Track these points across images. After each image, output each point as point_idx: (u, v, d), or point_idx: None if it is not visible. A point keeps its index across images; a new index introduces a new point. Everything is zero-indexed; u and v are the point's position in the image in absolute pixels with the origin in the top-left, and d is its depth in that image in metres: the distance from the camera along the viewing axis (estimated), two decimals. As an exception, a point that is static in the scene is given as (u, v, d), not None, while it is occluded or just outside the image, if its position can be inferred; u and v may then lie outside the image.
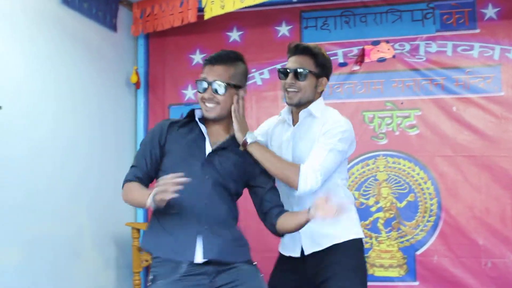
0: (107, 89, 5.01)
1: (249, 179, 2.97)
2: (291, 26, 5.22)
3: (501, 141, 4.72)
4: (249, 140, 2.87)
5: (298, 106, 3.11)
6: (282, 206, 2.96)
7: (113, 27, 5.12)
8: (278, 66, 5.16)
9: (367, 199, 4.92)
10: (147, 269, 5.20)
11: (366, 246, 4.85)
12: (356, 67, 5.00)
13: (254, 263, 2.90)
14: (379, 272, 4.82)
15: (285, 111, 3.23)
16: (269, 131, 3.33)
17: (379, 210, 4.88)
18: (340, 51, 5.08)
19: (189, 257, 2.76)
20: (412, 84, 4.92)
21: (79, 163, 4.54)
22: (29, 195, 3.97)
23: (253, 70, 5.25)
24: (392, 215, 4.88)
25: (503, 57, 4.78)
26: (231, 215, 2.94)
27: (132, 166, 2.92)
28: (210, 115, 2.86)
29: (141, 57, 5.50)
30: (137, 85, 5.37)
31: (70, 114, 4.48)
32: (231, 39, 5.34)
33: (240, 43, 5.32)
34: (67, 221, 4.36)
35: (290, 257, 3.18)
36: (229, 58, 2.88)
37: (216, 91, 2.82)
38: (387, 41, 4.97)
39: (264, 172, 2.95)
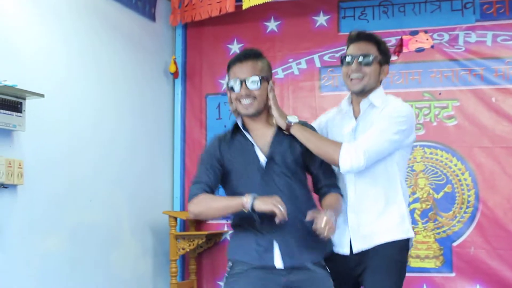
0: (146, 79, 5.07)
1: (305, 158, 2.93)
2: (329, 16, 5.22)
3: (541, 131, 4.68)
4: (292, 121, 2.84)
5: (360, 94, 3.00)
6: (332, 184, 2.94)
7: (152, 17, 5.17)
8: (316, 56, 5.20)
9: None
10: (183, 257, 5.27)
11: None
12: (394, 57, 4.96)
13: (325, 267, 2.89)
14: (415, 263, 4.81)
15: (345, 102, 3.13)
16: (328, 124, 3.20)
17: (415, 201, 4.86)
18: (377, 41, 5.06)
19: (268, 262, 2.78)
20: (451, 74, 4.88)
21: (120, 153, 4.61)
22: (71, 185, 4.06)
23: (290, 60, 5.26)
24: (428, 206, 4.86)
25: (544, 47, 4.72)
26: (310, 202, 2.89)
27: (194, 183, 2.85)
28: (250, 111, 2.84)
29: (179, 46, 5.54)
30: (175, 74, 5.42)
31: (112, 104, 4.56)
32: (269, 29, 5.35)
33: (277, 33, 5.33)
34: (107, 210, 4.44)
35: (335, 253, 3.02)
36: (254, 54, 2.92)
37: (252, 87, 2.83)
38: (426, 31, 4.93)
39: None
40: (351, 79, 2.97)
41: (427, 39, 4.91)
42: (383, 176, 2.93)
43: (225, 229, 5.23)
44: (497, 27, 4.83)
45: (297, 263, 2.75)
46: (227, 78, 2.90)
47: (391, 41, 4.98)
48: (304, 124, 2.91)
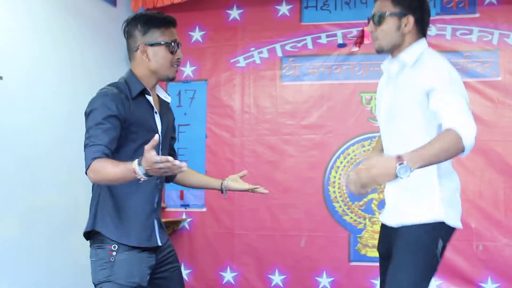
0: (106, 64, 5.01)
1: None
2: (291, 6, 5.22)
3: (497, 126, 4.75)
4: (405, 173, 2.35)
5: (386, 53, 2.80)
6: None
7: (113, 2, 5.11)
8: (278, 45, 5.20)
9: (362, 180, 4.95)
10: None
11: (359, 226, 4.92)
12: (355, 49, 5.01)
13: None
14: (371, 253, 4.86)
15: (386, 65, 2.88)
16: (379, 91, 2.96)
17: (373, 191, 4.90)
18: (339, 32, 5.09)
19: None
20: (410, 66, 4.92)
21: (77, 136, 4.51)
22: (27, 166, 4.00)
23: (252, 49, 5.26)
24: (386, 197, 4.90)
25: (501, 42, 4.79)
26: None
27: (92, 146, 2.68)
28: (174, 76, 2.88)
29: (140, 32, 5.48)
30: (135, 60, 5.36)
31: (70, 87, 4.49)
32: (231, 17, 5.34)
33: (239, 22, 5.32)
34: (64, 193, 4.38)
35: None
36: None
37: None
38: (387, 23, 4.96)
39: None
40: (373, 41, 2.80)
41: (388, 31, 4.94)
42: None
43: (183, 216, 5.22)
44: (457, 21, 4.89)
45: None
46: (158, 34, 2.79)
47: (353, 32, 5.01)
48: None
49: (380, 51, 2.79)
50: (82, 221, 4.59)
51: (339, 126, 5.06)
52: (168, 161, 2.26)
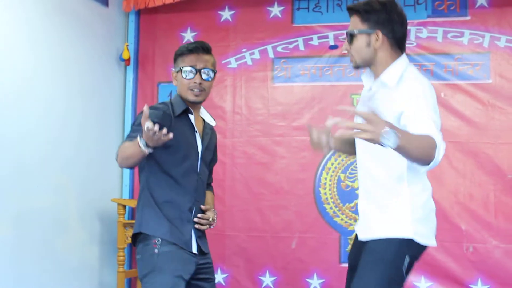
0: (97, 65, 5.01)
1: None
2: (283, 7, 5.22)
3: (487, 128, 4.76)
4: (388, 139, 2.22)
5: (361, 68, 2.85)
6: (211, 183, 3.45)
7: (105, 2, 5.10)
8: (269, 47, 5.21)
9: (353, 181, 4.96)
10: (131, 246, 5.24)
11: (350, 228, 4.92)
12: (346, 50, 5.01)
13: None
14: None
15: (366, 77, 2.92)
16: (361, 103, 2.97)
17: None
18: (331, 34, 5.09)
19: None
20: (402, 69, 4.93)
21: (69, 139, 4.54)
22: (17, 170, 3.99)
23: (244, 50, 5.25)
24: (377, 198, 4.90)
25: (492, 45, 4.81)
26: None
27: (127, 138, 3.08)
28: (199, 99, 3.16)
29: (131, 33, 5.48)
30: (127, 61, 5.35)
31: (62, 90, 4.49)
32: (223, 18, 5.33)
33: (231, 23, 5.32)
34: (54, 196, 4.37)
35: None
36: (209, 48, 3.21)
37: (206, 77, 3.14)
38: (378, 25, 4.97)
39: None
40: None
41: (379, 33, 4.95)
42: (388, 168, 2.71)
43: (175, 218, 5.21)
44: (448, 24, 4.91)
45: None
46: (180, 61, 3.14)
47: (344, 34, 5.00)
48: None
49: (356, 67, 2.88)
50: (73, 223, 4.63)
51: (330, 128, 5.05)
52: (152, 128, 2.58)
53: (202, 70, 3.09)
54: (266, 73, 5.21)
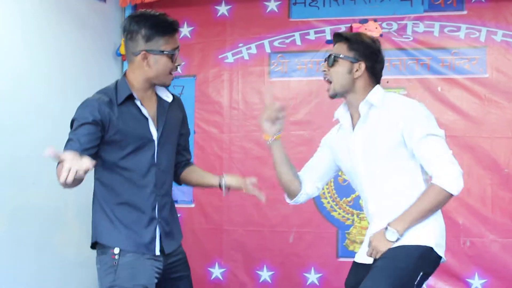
0: (94, 60, 4.99)
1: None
2: (280, 2, 5.21)
3: (483, 123, 4.77)
4: (392, 236, 2.74)
5: (338, 97, 2.97)
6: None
7: (101, -3, 5.10)
8: (266, 41, 5.20)
9: (350, 176, 4.96)
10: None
11: (347, 222, 4.93)
12: (343, 45, 5.02)
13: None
14: (359, 249, 4.87)
15: (340, 112, 3.07)
16: (333, 145, 3.12)
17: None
18: (327, 29, 5.09)
19: None
20: (398, 63, 4.94)
21: (65, 134, 4.50)
22: (15, 165, 3.98)
23: (240, 45, 5.25)
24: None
25: (489, 39, 4.81)
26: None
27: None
28: (170, 83, 2.92)
29: (128, 28, 5.46)
30: (123, 56, 5.34)
31: (58, 85, 4.47)
32: (219, 13, 5.32)
33: (228, 17, 5.31)
34: (51, 190, 4.35)
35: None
36: None
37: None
38: (375, 20, 4.98)
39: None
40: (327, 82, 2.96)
41: (376, 28, 4.96)
42: (402, 181, 2.87)
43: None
44: (444, 18, 4.91)
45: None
46: (161, 42, 2.78)
47: (341, 29, 5.01)
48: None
49: (333, 95, 2.97)
50: (70, 219, 4.61)
51: (327, 123, 4.99)
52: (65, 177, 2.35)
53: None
54: (263, 68, 5.21)
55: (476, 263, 4.72)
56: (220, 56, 5.26)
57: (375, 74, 2.97)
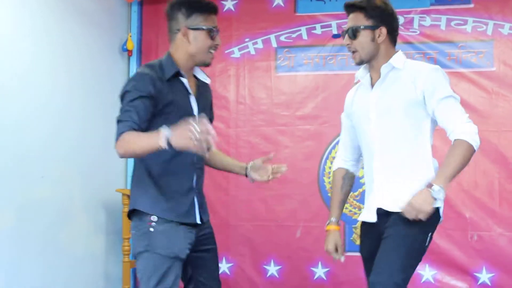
0: (100, 56, 5.00)
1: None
2: (286, -3, 5.22)
3: (491, 116, 4.76)
4: (439, 193, 2.73)
5: (364, 63, 3.00)
6: None
7: (107, -7, 5.10)
8: (272, 36, 5.20)
9: (357, 170, 4.96)
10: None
11: (354, 217, 4.92)
12: (350, 39, 5.01)
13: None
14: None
15: (361, 73, 3.08)
16: (351, 102, 3.14)
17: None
18: (334, 23, 5.08)
19: None
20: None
21: (72, 129, 4.54)
22: (22, 159, 3.99)
23: (247, 40, 5.25)
24: (381, 187, 4.91)
25: (496, 32, 4.80)
26: None
27: (121, 121, 2.85)
28: (211, 62, 2.98)
29: (134, 24, 5.46)
30: (129, 52, 5.35)
31: (64, 80, 4.48)
32: (226, 8, 5.32)
33: (234, 12, 5.30)
34: (59, 186, 4.38)
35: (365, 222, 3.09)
36: None
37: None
38: (381, 14, 4.96)
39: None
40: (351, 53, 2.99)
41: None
42: (413, 143, 2.91)
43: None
44: (451, 12, 4.90)
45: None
46: (200, 19, 2.88)
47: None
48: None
49: (359, 63, 2.99)
50: (78, 214, 4.63)
51: (334, 117, 5.03)
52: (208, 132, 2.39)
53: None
54: (269, 63, 5.21)
55: (484, 257, 4.71)
56: (226, 51, 5.26)
57: (394, 35, 3.01)
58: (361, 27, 2.92)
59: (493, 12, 4.81)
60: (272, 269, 5.09)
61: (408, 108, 2.88)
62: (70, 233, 4.52)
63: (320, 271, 5.01)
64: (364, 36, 2.92)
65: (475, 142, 2.76)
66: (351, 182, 3.27)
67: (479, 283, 4.73)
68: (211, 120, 3.10)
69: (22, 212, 3.98)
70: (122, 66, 5.36)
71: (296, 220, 5.06)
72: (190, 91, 2.93)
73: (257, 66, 5.25)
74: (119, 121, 2.78)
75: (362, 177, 4.91)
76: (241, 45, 5.27)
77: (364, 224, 3.10)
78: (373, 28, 2.92)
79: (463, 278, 4.76)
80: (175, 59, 2.91)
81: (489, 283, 4.71)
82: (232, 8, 5.31)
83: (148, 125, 2.78)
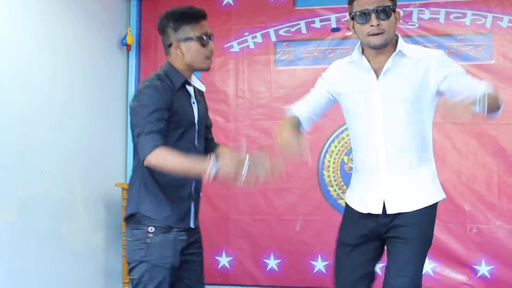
0: (100, 50, 5.00)
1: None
2: (285, -10, 5.22)
3: (490, 109, 4.76)
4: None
5: (383, 47, 2.85)
6: None
7: (106, -13, 5.10)
8: (271, 30, 5.19)
9: (356, 164, 4.97)
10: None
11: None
12: (349, 33, 5.00)
13: None
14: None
15: (357, 54, 2.95)
16: (342, 80, 3.06)
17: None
18: (333, 16, 5.08)
19: None
20: (404, 50, 4.93)
21: (72, 124, 4.55)
22: (21, 155, 3.99)
23: (246, 34, 5.25)
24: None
25: (495, 25, 4.80)
26: None
27: (151, 133, 2.80)
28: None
29: (133, 18, 5.47)
30: (128, 46, 5.35)
31: (65, 75, 4.48)
32: (225, 2, 5.32)
33: (233, 6, 5.30)
34: (59, 181, 4.39)
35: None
36: None
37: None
38: (380, 7, 4.96)
39: None
40: (370, 35, 2.82)
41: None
42: (417, 131, 2.91)
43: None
44: (450, 5, 4.90)
45: None
46: (188, 29, 2.91)
47: (346, 17, 4.99)
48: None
49: (384, 45, 2.84)
50: (78, 209, 4.64)
51: (333, 111, 5.03)
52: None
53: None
54: (269, 57, 5.21)
55: (483, 249, 4.73)
56: (225, 45, 5.26)
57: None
58: (391, 6, 2.82)
59: (492, 5, 4.81)
60: (272, 262, 5.11)
61: (417, 97, 2.84)
62: (70, 227, 4.53)
63: (319, 265, 5.02)
64: (393, 17, 2.83)
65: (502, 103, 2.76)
66: (298, 127, 3.18)
67: (478, 275, 4.75)
68: (209, 126, 3.19)
69: (22, 207, 3.98)
70: (121, 60, 5.36)
71: (296, 214, 5.07)
72: (194, 100, 2.98)
73: (256, 60, 5.25)
74: (145, 132, 2.74)
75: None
76: (240, 39, 5.27)
77: (354, 211, 3.05)
78: (395, 11, 2.84)
79: (463, 270, 4.78)
80: (177, 69, 2.95)
81: (488, 276, 4.73)
82: (231, 2, 5.31)
83: None
